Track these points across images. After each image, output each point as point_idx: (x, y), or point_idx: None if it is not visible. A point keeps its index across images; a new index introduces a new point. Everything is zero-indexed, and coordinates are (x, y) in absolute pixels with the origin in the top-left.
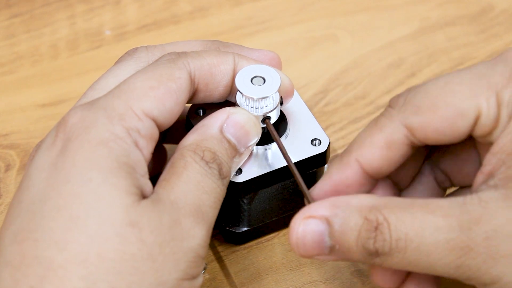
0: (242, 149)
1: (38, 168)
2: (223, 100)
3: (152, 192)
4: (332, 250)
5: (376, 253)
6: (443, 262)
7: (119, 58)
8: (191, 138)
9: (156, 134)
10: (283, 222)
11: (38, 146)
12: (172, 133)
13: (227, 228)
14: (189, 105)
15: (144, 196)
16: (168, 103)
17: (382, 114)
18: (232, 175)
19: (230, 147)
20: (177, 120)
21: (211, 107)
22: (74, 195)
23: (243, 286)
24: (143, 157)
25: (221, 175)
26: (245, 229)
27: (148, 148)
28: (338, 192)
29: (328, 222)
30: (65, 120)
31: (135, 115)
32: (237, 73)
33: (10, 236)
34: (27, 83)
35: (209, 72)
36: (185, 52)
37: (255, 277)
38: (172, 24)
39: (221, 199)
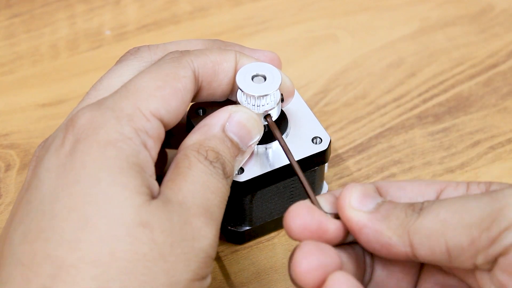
0: (244, 148)
1: (47, 168)
2: (224, 99)
3: (159, 193)
4: None
5: None
6: None
7: (121, 58)
8: (194, 138)
9: (162, 134)
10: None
11: (46, 147)
12: (171, 137)
13: (229, 228)
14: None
15: (152, 197)
16: (174, 103)
17: None
18: (235, 174)
19: (233, 146)
20: (179, 123)
21: (211, 106)
22: (84, 196)
23: (243, 286)
24: (151, 157)
25: (225, 174)
26: (247, 228)
27: (155, 148)
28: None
29: None
30: (73, 121)
31: (143, 116)
32: (238, 70)
33: (20, 236)
34: (27, 83)
35: (213, 70)
36: (188, 50)
37: (255, 277)
38: (172, 24)
39: (226, 198)
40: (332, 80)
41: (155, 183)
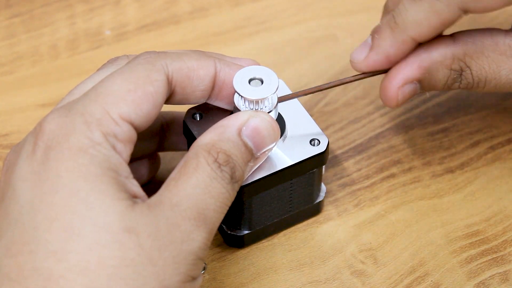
0: (258, 154)
1: (21, 177)
2: (201, 103)
3: (157, 192)
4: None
5: (459, 87)
6: None
7: (100, 66)
8: (208, 137)
9: (134, 137)
10: (283, 223)
11: (16, 152)
12: (169, 140)
13: (229, 232)
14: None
15: (135, 196)
16: (145, 107)
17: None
18: (245, 179)
19: (246, 151)
20: (173, 125)
21: (208, 111)
22: (65, 206)
23: (243, 286)
24: (123, 159)
25: (233, 178)
26: (246, 232)
27: (126, 151)
28: (389, 61)
29: (420, 81)
30: (42, 126)
31: (112, 120)
32: (221, 78)
33: (2, 250)
34: (27, 83)
35: (187, 76)
36: (165, 52)
37: (255, 277)
38: (172, 24)
39: (229, 203)
40: (332, 80)
41: (134, 182)
